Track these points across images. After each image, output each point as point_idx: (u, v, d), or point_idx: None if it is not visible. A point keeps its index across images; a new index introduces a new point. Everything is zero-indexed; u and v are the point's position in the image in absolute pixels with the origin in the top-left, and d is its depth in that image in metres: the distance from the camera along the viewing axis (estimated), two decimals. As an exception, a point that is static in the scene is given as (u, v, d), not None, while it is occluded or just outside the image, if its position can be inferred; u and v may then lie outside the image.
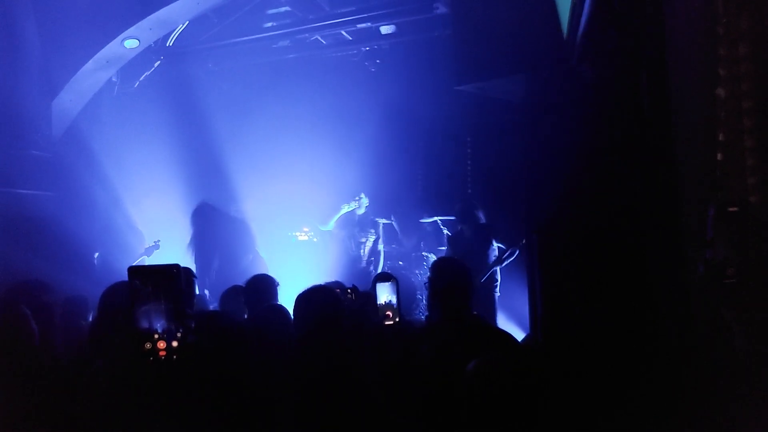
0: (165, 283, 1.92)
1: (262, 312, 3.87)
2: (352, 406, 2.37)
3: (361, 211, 7.95)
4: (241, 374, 2.51)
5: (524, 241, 6.25)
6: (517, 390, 2.01)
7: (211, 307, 4.93)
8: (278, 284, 4.46)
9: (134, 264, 7.00)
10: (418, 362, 2.89)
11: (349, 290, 3.83)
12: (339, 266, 7.84)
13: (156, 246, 7.35)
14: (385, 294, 3.19)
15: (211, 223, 7.09)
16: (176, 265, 1.99)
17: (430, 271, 3.27)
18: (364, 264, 7.75)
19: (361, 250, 7.86)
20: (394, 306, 3.19)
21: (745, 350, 2.66)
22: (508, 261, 6.51)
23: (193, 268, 6.72)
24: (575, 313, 3.86)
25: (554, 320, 4.24)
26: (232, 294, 4.58)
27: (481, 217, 6.73)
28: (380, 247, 7.98)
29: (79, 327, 3.45)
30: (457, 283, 3.10)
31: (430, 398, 2.67)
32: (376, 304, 3.20)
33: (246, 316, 4.13)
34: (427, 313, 3.39)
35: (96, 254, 7.17)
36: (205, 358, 2.26)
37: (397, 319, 3.19)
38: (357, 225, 7.96)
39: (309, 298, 3.08)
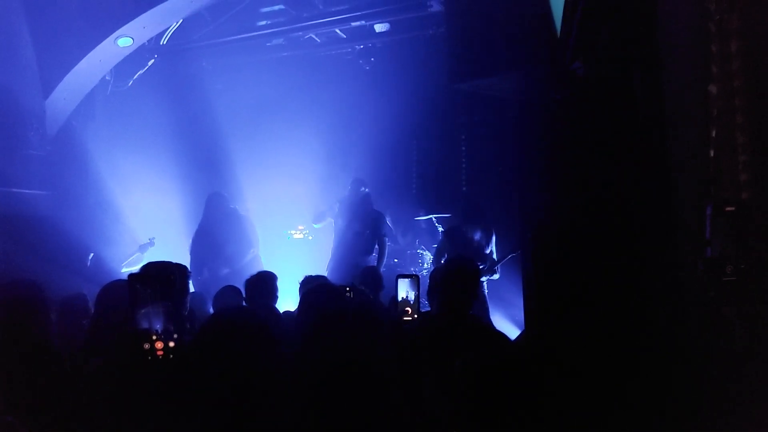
0: (162, 286, 2.02)
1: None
2: (359, 402, 2.38)
3: (357, 198, 7.23)
4: (244, 372, 2.53)
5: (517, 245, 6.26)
6: (509, 387, 2.02)
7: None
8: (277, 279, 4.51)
9: (127, 261, 7.06)
10: (416, 358, 2.92)
11: (348, 289, 3.86)
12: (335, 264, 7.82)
13: (151, 243, 7.35)
14: (404, 290, 3.27)
15: (222, 215, 7.06)
16: (173, 270, 2.08)
17: (443, 265, 3.31)
18: (366, 257, 7.09)
19: (359, 241, 7.15)
20: (412, 302, 3.27)
21: (746, 347, 2.69)
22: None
23: (189, 260, 6.75)
24: (570, 311, 3.87)
25: (549, 318, 4.25)
26: (227, 293, 4.58)
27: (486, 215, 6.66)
28: (383, 240, 7.20)
29: (79, 326, 3.42)
30: (465, 286, 3.16)
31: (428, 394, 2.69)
32: (397, 299, 3.29)
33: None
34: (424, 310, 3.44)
35: (91, 255, 7.15)
36: (206, 357, 2.29)
37: (416, 315, 3.27)
38: (354, 215, 7.19)
39: (316, 295, 3.14)
